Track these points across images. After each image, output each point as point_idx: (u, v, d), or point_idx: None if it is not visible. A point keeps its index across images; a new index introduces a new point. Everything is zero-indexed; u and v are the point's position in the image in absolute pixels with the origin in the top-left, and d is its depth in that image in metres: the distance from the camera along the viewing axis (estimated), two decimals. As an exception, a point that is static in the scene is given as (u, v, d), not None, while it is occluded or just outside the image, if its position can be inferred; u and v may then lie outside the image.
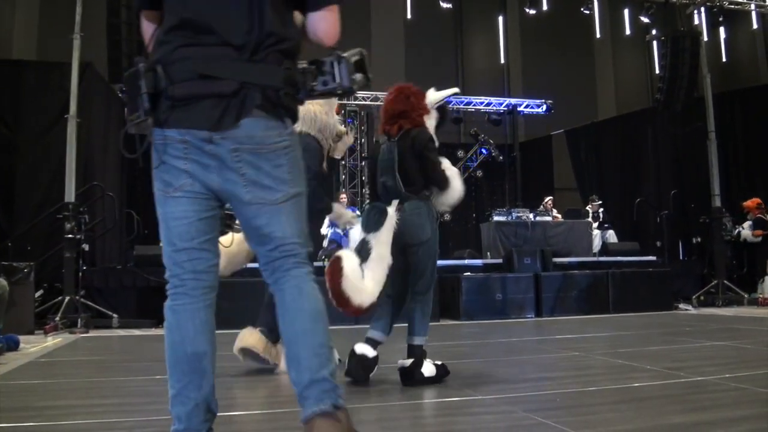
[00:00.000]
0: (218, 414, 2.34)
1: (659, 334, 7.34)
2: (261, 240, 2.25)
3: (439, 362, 4.29)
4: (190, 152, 2.16)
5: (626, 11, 18.09)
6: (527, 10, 15.64)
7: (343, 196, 13.12)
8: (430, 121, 4.43)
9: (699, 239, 13.38)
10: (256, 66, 2.15)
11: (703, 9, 15.59)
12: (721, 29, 17.37)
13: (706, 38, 15.74)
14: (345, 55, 2.26)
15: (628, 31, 18.65)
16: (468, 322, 9.37)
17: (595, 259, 12.10)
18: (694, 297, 11.36)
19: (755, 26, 18.13)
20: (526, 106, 18.25)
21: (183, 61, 2.14)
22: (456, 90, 4.79)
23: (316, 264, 10.38)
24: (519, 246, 11.42)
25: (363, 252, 4.03)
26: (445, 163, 4.39)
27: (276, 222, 2.21)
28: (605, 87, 21.69)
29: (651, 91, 19.95)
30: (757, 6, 15.98)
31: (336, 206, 5.13)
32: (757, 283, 11.80)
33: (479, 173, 17.94)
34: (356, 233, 4.39)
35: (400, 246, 4.18)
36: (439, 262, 11.29)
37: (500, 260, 11.13)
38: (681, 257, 14.49)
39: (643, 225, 14.73)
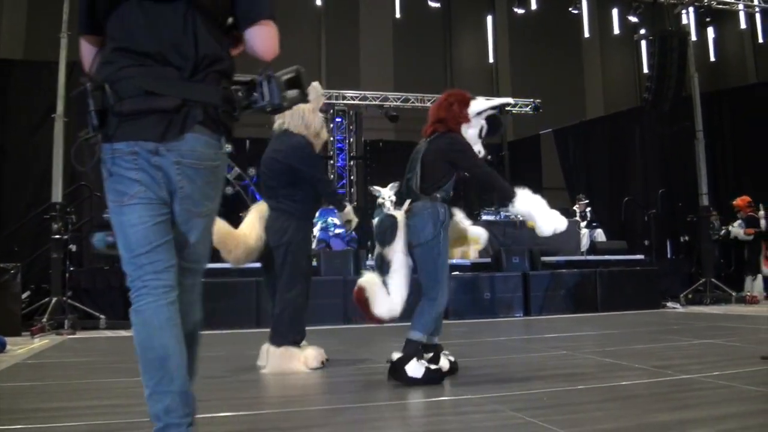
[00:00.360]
0: (207, 415, 2.34)
1: (647, 332, 7.37)
2: (179, 246, 2.38)
3: (434, 367, 4.29)
4: (140, 163, 2.27)
5: (615, 11, 18.13)
6: (516, 9, 15.68)
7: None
8: (471, 130, 4.52)
9: (687, 238, 13.45)
10: (196, 85, 2.29)
11: (691, 9, 15.64)
12: (710, 29, 17.46)
13: (694, 38, 15.83)
14: (276, 74, 2.38)
15: (616, 31, 18.70)
16: (457, 321, 9.38)
17: (583, 258, 12.14)
18: (681, 295, 11.41)
19: (743, 26, 18.21)
20: (515, 106, 18.27)
21: (129, 79, 2.24)
22: (508, 100, 4.86)
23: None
24: (507, 245, 11.44)
25: (383, 266, 4.26)
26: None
27: (196, 233, 2.41)
28: (593, 86, 21.74)
29: (639, 90, 20.02)
30: (745, 6, 16.05)
31: (348, 207, 5.38)
32: (745, 281, 11.89)
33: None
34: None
35: (406, 245, 4.33)
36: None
37: (489, 260, 11.14)
38: (669, 256, 14.56)
39: (631, 224, 14.79)
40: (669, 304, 10.94)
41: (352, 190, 16.31)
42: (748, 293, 11.57)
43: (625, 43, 20.96)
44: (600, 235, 13.71)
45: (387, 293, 4.22)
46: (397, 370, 4.21)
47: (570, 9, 15.31)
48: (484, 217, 12.30)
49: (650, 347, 5.92)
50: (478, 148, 4.55)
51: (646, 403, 3.57)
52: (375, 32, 19.28)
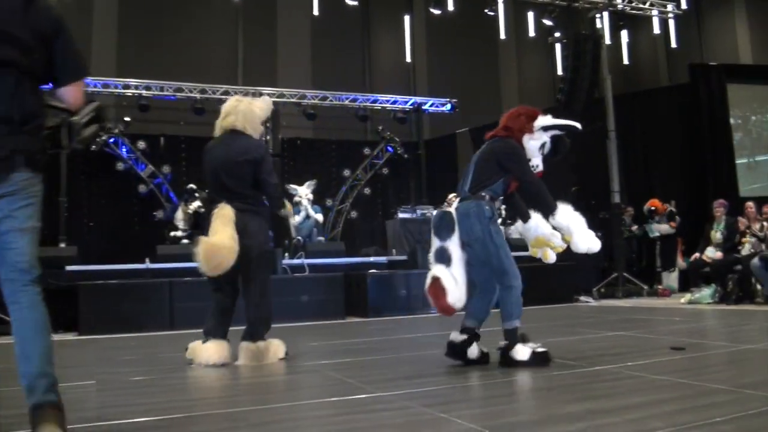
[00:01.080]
0: (124, 421, 2.20)
1: (560, 326, 7.46)
2: (6, 260, 2.78)
3: (542, 349, 4.49)
4: None
5: (530, 13, 18.39)
6: (432, 10, 15.71)
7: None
8: (532, 142, 4.74)
9: (599, 234, 13.71)
10: (21, 137, 2.78)
11: (605, 13, 16.00)
12: (623, 33, 17.85)
13: (608, 41, 16.20)
14: (74, 119, 2.93)
15: (532, 33, 18.99)
16: (374, 318, 9.34)
17: (497, 254, 12.22)
18: (594, 289, 11.64)
19: (657, 31, 18.73)
20: (432, 105, 18.35)
21: None
22: (576, 124, 4.95)
23: (294, 261, 10.22)
24: (423, 242, 11.45)
25: (444, 258, 4.49)
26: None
27: (21, 245, 2.78)
28: (509, 87, 22.04)
29: (554, 91, 20.35)
30: (659, 12, 16.51)
31: (288, 206, 5.72)
32: (662, 276, 12.25)
33: (385, 171, 17.97)
34: None
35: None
36: (345, 260, 11.20)
37: (405, 257, 11.14)
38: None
39: (544, 220, 15.01)
40: (582, 298, 11.14)
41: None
42: (660, 287, 11.91)
43: (540, 46, 21.29)
44: (514, 231, 13.82)
45: (456, 283, 4.44)
46: (505, 357, 4.47)
47: (486, 11, 15.42)
48: (401, 215, 12.29)
49: (563, 340, 5.98)
50: (537, 161, 4.81)
51: (556, 395, 3.57)
52: (293, 29, 19.08)
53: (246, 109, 5.42)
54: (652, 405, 3.22)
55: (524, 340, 4.52)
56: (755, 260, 9.08)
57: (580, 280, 11.92)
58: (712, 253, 9.99)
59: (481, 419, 2.97)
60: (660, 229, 12.19)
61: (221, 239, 4.97)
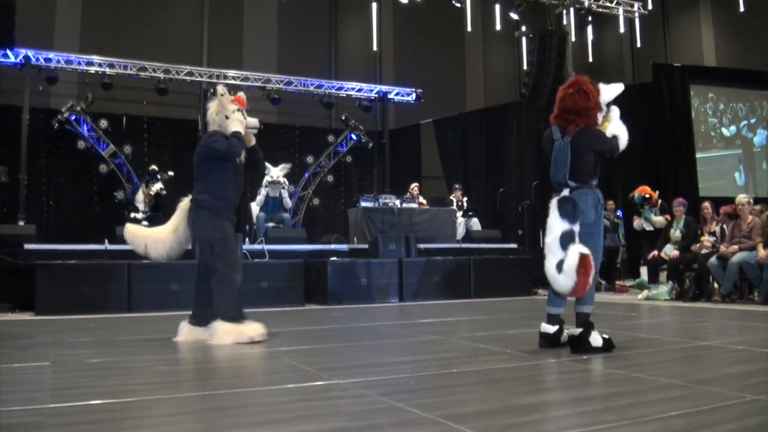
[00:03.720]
0: (74, 404, 2.17)
1: (518, 318, 7.53)
2: None
3: (606, 335, 4.69)
4: None
5: (497, 6, 18.46)
6: (400, -1, 15.71)
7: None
8: (599, 114, 4.93)
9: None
10: None
11: (572, 10, 16.14)
12: (589, 30, 18.01)
13: (573, 38, 16.35)
14: None
15: (498, 27, 19.07)
16: (335, 306, 9.34)
17: (458, 245, 12.32)
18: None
19: (622, 30, 18.95)
20: (397, 94, 18.34)
21: None
22: (621, 87, 5.11)
23: (254, 247, 10.14)
24: (385, 232, 11.48)
25: (572, 239, 4.61)
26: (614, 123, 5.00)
27: None
28: (474, 79, 22.11)
29: (518, 85, 20.50)
30: (624, 11, 16.70)
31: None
32: (641, 270, 12.18)
33: (348, 159, 17.96)
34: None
35: None
36: (306, 247, 11.18)
37: (366, 245, 11.16)
38: (541, 245, 14.95)
39: (505, 214, 15.15)
40: (540, 291, 11.22)
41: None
42: (619, 283, 12.03)
43: (506, 39, 21.41)
44: (476, 224, 13.95)
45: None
46: (580, 342, 4.60)
47: (454, 2, 15.45)
48: (363, 204, 12.29)
49: (521, 332, 6.02)
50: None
51: (512, 386, 3.60)
52: (259, 12, 18.93)
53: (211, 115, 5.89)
54: (605, 398, 3.27)
55: (593, 326, 4.73)
56: (713, 259, 9.26)
57: (540, 274, 11.99)
58: (670, 251, 10.13)
59: (436, 408, 2.99)
60: (656, 222, 11.63)
61: None
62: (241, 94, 6.05)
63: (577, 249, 4.52)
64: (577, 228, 4.65)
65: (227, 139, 5.59)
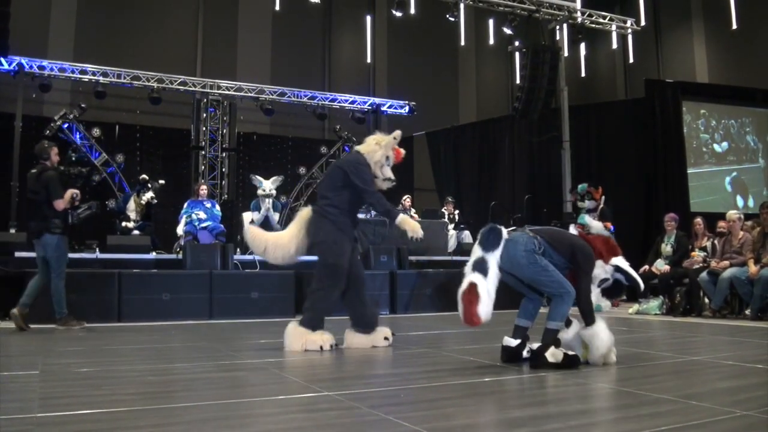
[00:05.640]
0: (66, 413, 2.16)
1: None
2: None
3: (571, 353, 4.59)
4: None
5: (491, 21, 18.55)
6: (394, 12, 15.74)
7: (203, 188, 12.73)
8: (600, 270, 4.87)
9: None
10: None
11: (565, 25, 16.23)
12: (582, 46, 18.11)
13: (566, 53, 16.43)
14: None
15: (491, 41, 19.14)
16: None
17: (449, 258, 12.32)
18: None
19: (615, 45, 19.06)
20: (390, 106, 18.40)
21: None
22: (639, 282, 5.10)
23: (245, 257, 10.11)
24: (377, 243, 11.47)
25: (482, 269, 4.57)
26: None
27: None
28: (467, 93, 22.20)
29: (511, 99, 20.59)
30: (617, 27, 16.79)
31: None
32: None
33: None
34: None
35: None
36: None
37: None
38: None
39: (497, 227, 15.13)
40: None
41: (224, 182, 15.94)
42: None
43: (499, 54, 21.53)
44: (467, 236, 13.94)
45: (489, 296, 4.49)
46: (538, 357, 4.52)
47: (447, 16, 15.51)
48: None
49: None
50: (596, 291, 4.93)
51: (502, 400, 3.60)
52: (254, 23, 18.98)
53: None
54: (596, 412, 3.27)
55: (558, 343, 4.65)
56: (704, 274, 9.28)
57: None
58: (661, 266, 10.15)
59: (427, 421, 2.98)
60: (593, 227, 10.96)
61: None
62: (402, 151, 6.37)
63: (469, 277, 4.56)
64: (492, 257, 4.64)
65: (380, 190, 6.04)
